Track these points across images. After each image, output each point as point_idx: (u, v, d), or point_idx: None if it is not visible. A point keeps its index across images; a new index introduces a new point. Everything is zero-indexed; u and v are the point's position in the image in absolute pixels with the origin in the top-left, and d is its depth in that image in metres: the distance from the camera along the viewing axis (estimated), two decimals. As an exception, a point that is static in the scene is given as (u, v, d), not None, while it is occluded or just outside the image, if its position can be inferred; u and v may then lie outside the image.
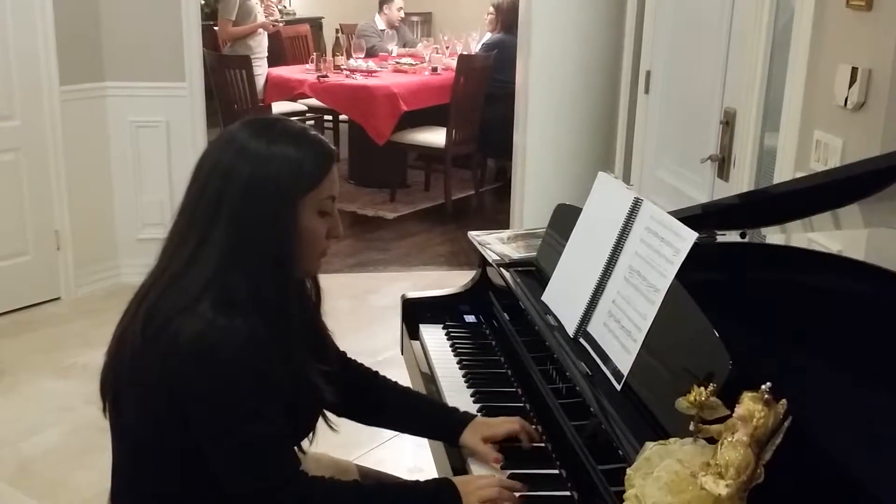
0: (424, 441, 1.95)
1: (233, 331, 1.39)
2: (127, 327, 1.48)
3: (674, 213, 1.63)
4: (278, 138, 1.47)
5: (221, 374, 1.39)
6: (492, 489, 1.52)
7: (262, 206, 1.44)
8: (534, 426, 1.78)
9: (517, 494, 1.55)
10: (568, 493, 1.57)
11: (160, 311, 1.43)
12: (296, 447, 1.59)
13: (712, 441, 1.19)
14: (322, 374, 1.59)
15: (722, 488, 1.12)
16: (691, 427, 1.21)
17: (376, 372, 1.87)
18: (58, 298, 4.45)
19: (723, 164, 2.92)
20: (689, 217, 1.62)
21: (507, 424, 1.71)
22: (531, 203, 4.48)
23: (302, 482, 1.48)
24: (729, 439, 1.15)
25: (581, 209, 1.90)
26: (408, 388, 1.88)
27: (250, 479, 1.44)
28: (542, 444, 1.72)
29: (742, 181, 2.77)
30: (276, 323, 1.46)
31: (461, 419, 1.75)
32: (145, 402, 1.45)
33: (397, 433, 3.16)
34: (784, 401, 1.16)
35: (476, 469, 1.68)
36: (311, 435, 1.65)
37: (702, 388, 1.19)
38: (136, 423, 1.49)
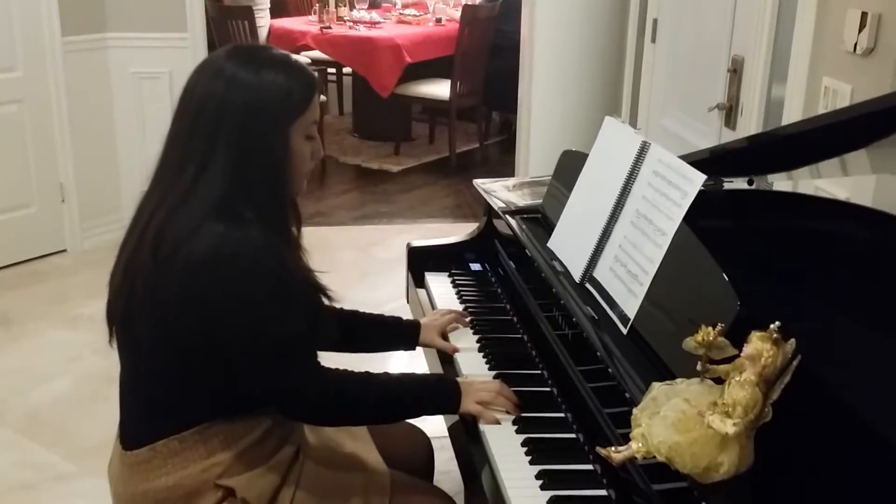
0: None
1: (248, 239, 1.44)
2: (133, 255, 1.50)
3: (682, 158, 1.62)
4: (266, 67, 1.50)
5: (243, 281, 1.44)
6: (489, 393, 1.64)
7: (258, 132, 1.48)
8: (539, 370, 1.79)
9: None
10: (574, 436, 1.58)
11: (167, 238, 1.46)
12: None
13: (719, 382, 1.19)
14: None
15: (729, 427, 1.12)
16: (699, 367, 1.21)
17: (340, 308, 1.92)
18: (63, 250, 4.45)
19: (730, 113, 2.89)
20: (697, 162, 1.61)
21: (448, 315, 1.97)
22: (536, 154, 4.45)
23: (323, 376, 1.55)
24: (737, 378, 1.15)
25: (587, 155, 1.89)
26: (362, 312, 1.94)
27: (278, 377, 1.50)
28: (549, 389, 1.73)
29: (749, 130, 2.74)
30: (280, 237, 1.54)
31: (414, 324, 1.95)
32: (164, 323, 1.48)
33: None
34: (793, 340, 1.16)
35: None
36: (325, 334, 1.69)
37: (709, 328, 1.19)
38: (151, 343, 1.52)
